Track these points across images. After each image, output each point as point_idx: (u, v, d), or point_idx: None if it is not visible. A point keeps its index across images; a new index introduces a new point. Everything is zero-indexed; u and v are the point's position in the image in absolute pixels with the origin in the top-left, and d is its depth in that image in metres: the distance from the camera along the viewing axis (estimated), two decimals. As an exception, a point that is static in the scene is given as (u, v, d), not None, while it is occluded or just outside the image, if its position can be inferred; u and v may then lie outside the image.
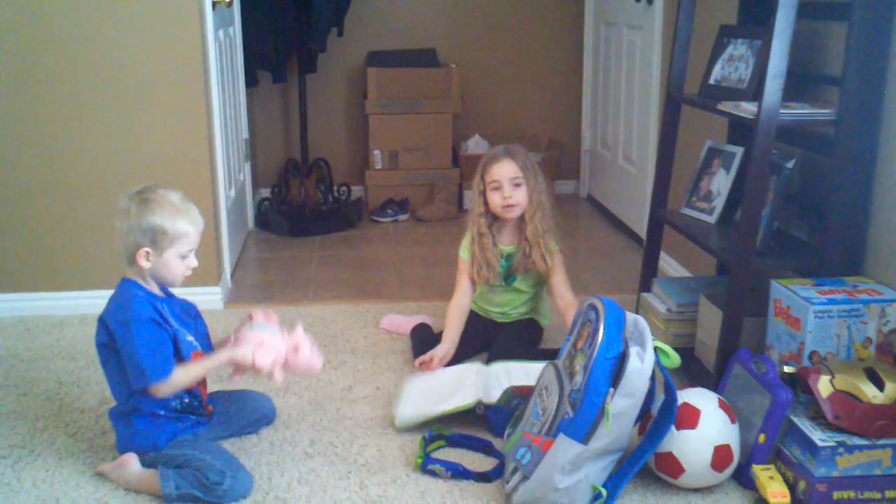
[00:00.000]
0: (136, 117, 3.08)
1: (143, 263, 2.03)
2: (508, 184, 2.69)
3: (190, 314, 2.18)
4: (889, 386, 1.94)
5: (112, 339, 2.04)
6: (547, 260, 2.73)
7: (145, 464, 2.07)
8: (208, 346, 2.19)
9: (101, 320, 2.08)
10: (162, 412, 2.09)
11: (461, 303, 2.79)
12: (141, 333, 2.00)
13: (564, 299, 2.76)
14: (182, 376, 2.05)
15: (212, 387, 2.29)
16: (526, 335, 2.82)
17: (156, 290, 2.10)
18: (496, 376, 2.45)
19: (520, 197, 2.71)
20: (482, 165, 2.77)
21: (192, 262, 2.10)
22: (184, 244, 2.05)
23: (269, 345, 2.06)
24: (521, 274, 2.79)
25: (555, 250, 2.75)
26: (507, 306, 2.86)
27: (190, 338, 2.11)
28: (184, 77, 3.07)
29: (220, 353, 2.08)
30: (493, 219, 2.78)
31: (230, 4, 3.53)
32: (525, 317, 2.88)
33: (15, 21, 2.97)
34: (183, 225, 2.04)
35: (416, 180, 4.59)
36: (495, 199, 2.72)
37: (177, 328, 2.08)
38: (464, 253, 2.82)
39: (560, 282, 2.77)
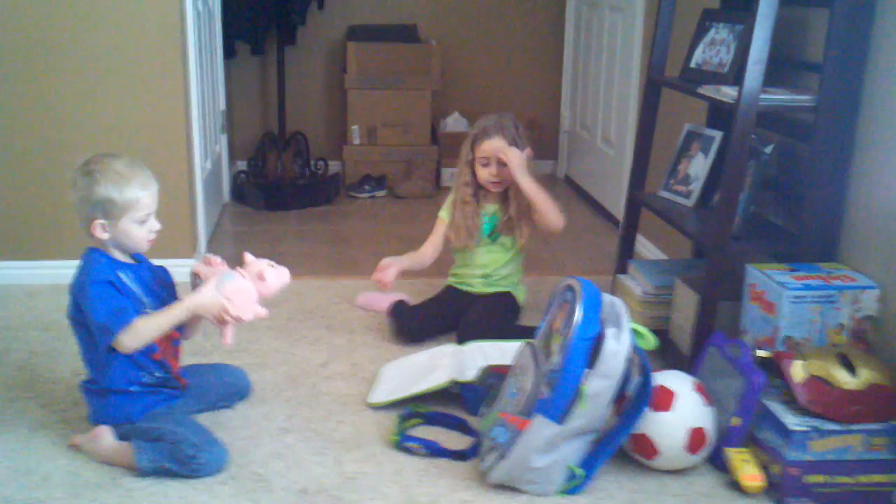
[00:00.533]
0: (112, 86, 3.04)
1: (101, 235, 2.01)
2: (497, 161, 2.75)
3: (163, 282, 2.15)
4: (861, 371, 1.96)
5: (76, 309, 2.03)
6: (526, 231, 2.82)
7: (120, 436, 2.06)
8: None
9: (70, 291, 2.06)
10: (133, 388, 2.07)
11: (424, 256, 2.86)
12: (98, 293, 1.97)
13: (505, 272, 2.88)
14: (148, 325, 1.98)
15: (187, 360, 2.28)
16: (500, 308, 2.83)
17: (121, 257, 2.07)
18: (471, 356, 2.45)
19: (507, 174, 2.75)
20: (473, 136, 2.82)
21: (154, 225, 2.06)
22: (137, 210, 2.01)
23: (240, 292, 2.02)
24: (505, 234, 2.84)
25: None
26: (490, 267, 2.88)
27: (148, 311, 2.04)
28: (161, 46, 3.04)
29: (184, 301, 2.02)
30: (479, 186, 2.83)
31: (210, -26, 3.48)
32: (504, 289, 2.88)
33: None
34: (132, 192, 1.99)
35: (394, 156, 4.58)
36: (483, 174, 2.79)
37: (138, 297, 2.04)
38: (444, 213, 2.87)
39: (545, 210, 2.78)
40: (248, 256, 2.12)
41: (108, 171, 1.99)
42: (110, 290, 2.00)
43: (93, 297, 1.98)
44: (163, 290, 2.14)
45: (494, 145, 2.75)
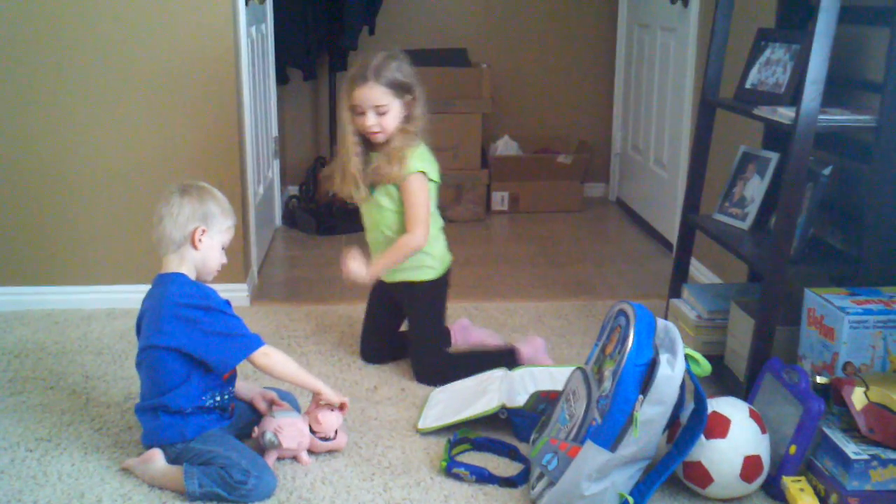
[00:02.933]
0: (167, 113, 3.09)
1: (197, 244, 2.08)
2: (372, 112, 2.47)
3: None
4: (926, 399, 1.90)
5: (181, 333, 2.02)
6: (398, 174, 2.50)
7: (170, 458, 2.07)
8: None
9: (167, 313, 2.03)
10: (189, 409, 2.08)
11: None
12: (231, 313, 2.08)
13: (396, 229, 2.59)
14: (283, 357, 2.14)
15: (239, 382, 2.28)
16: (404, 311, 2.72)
17: None
18: (521, 381, 2.43)
19: (385, 123, 2.48)
20: (349, 79, 2.51)
21: (224, 258, 2.17)
22: (228, 233, 2.14)
23: (292, 426, 2.13)
24: (378, 185, 2.55)
25: (413, 171, 2.52)
26: (374, 230, 2.63)
27: None
28: (215, 74, 3.08)
29: (317, 380, 2.21)
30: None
31: (263, 2, 3.54)
32: (409, 277, 2.64)
33: (46, 14, 2.98)
34: (230, 220, 2.14)
35: (444, 180, 4.51)
36: (359, 123, 2.50)
37: None
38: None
39: (407, 205, 2.54)
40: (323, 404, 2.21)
41: (209, 190, 2.13)
42: (231, 309, 2.10)
43: (228, 318, 2.06)
44: None
45: (366, 96, 2.45)
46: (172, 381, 2.06)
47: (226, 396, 2.15)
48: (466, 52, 4.74)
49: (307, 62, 4.51)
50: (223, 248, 2.14)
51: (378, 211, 2.60)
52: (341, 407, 2.20)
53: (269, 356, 2.10)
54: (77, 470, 2.13)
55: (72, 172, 3.11)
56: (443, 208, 4.49)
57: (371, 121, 2.47)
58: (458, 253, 3.95)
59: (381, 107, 2.47)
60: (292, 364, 2.16)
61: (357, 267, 2.55)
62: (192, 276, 2.11)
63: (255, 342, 2.07)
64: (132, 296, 3.16)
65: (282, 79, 4.45)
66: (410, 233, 2.55)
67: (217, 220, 2.09)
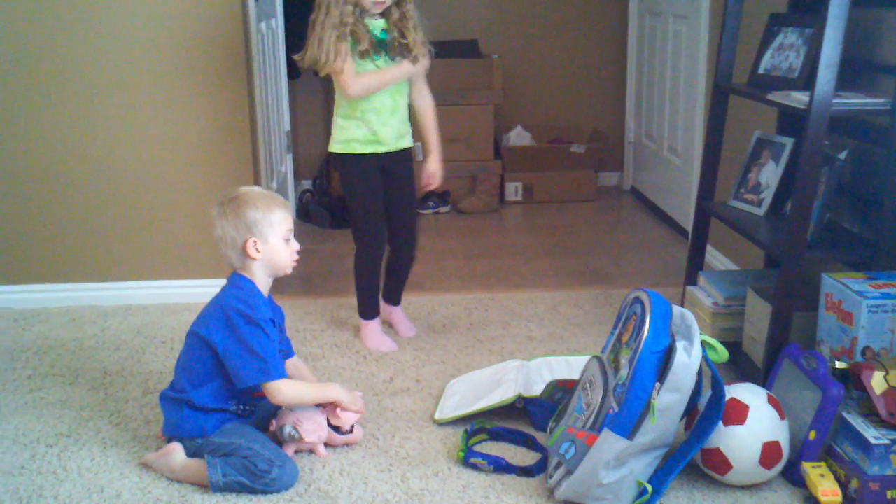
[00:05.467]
0: (179, 110, 3.10)
1: (254, 254, 2.09)
2: None
3: (281, 327, 2.22)
4: (946, 383, 1.88)
5: (219, 330, 2.06)
6: (420, 46, 2.63)
7: (190, 452, 2.08)
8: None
9: (218, 308, 2.08)
10: (210, 406, 2.10)
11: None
12: (268, 333, 2.07)
13: (424, 96, 2.75)
14: (298, 388, 2.14)
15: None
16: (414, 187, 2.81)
17: (264, 289, 2.14)
18: (537, 370, 2.43)
19: None
20: None
21: (295, 244, 2.17)
22: (282, 226, 2.12)
23: (311, 419, 2.15)
24: (395, 56, 2.62)
25: (425, 38, 2.66)
26: (389, 97, 2.64)
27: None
28: (226, 69, 3.08)
29: (335, 387, 2.20)
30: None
31: (273, -4, 3.53)
32: (409, 142, 2.76)
33: (61, 11, 2.99)
34: (277, 209, 2.12)
35: (457, 172, 4.57)
36: None
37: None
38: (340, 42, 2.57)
39: (423, 76, 2.72)
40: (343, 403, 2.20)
41: (252, 195, 2.12)
42: (273, 330, 2.09)
43: (263, 337, 2.06)
44: (282, 337, 2.22)
45: None
46: (201, 376, 2.08)
47: (249, 407, 2.16)
48: (477, 43, 4.73)
49: (318, 56, 4.50)
50: (287, 238, 2.13)
51: (398, 84, 2.67)
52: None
53: (282, 392, 2.08)
54: (97, 465, 2.14)
55: (86, 170, 3.12)
56: (456, 200, 4.51)
57: None
58: (473, 244, 3.97)
59: None
60: (305, 390, 2.16)
61: (434, 165, 2.76)
62: (266, 278, 2.14)
63: (274, 374, 2.06)
64: (149, 291, 3.20)
65: (293, 73, 4.45)
66: (429, 94, 2.76)
67: (263, 224, 2.08)
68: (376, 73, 2.59)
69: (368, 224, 2.73)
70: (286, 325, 2.29)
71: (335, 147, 2.71)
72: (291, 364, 2.31)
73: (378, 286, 2.85)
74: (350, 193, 2.74)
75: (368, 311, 2.84)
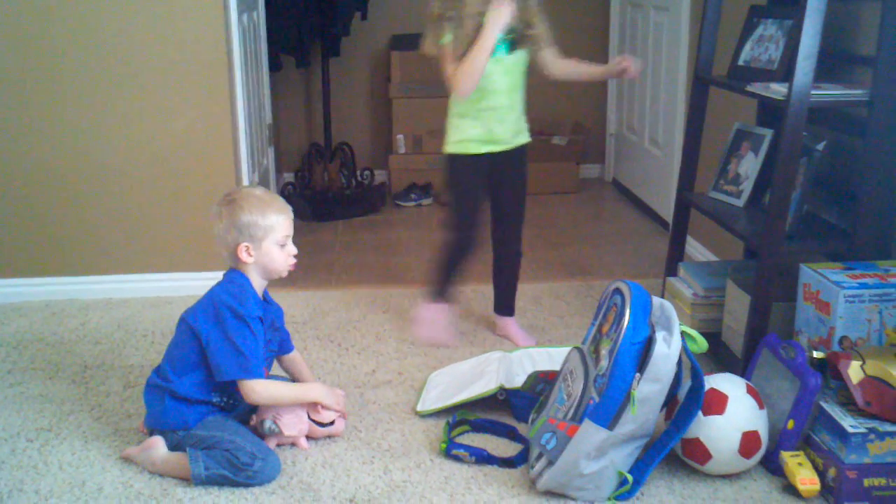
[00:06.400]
0: (159, 101, 3.08)
1: (245, 258, 2.09)
2: None
3: (275, 326, 2.22)
4: (922, 372, 1.90)
5: (206, 321, 2.06)
6: (545, 33, 2.60)
7: (171, 445, 2.08)
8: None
9: (209, 300, 2.10)
10: (194, 397, 2.10)
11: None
12: (254, 330, 2.06)
13: (568, 59, 2.69)
14: (273, 389, 2.12)
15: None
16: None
17: (259, 289, 2.14)
18: (519, 362, 2.44)
19: None
20: None
21: (292, 249, 2.15)
22: (278, 232, 2.10)
23: (291, 412, 2.14)
24: (520, 47, 2.57)
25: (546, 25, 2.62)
26: (511, 92, 2.58)
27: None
28: (207, 61, 3.07)
29: (314, 387, 2.22)
30: None
31: (253, -12, 3.52)
32: (526, 137, 2.68)
33: (42, 5, 2.97)
34: (272, 214, 2.10)
35: (439, 164, 4.55)
36: None
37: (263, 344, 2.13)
38: (443, 41, 2.53)
39: (556, 51, 2.66)
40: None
41: (249, 198, 2.10)
42: (260, 328, 2.09)
43: (248, 333, 2.05)
44: (273, 336, 2.21)
45: None
46: (185, 364, 2.09)
47: (233, 401, 2.16)
48: (459, 35, 4.71)
49: (300, 49, 4.49)
50: (283, 243, 2.11)
51: (519, 70, 2.60)
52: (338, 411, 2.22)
53: (255, 392, 2.07)
54: (78, 459, 2.14)
55: (66, 164, 3.10)
56: (439, 192, 4.51)
57: None
58: (455, 236, 3.97)
59: None
60: (281, 390, 2.15)
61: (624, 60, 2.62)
62: (260, 279, 2.13)
63: (252, 373, 2.05)
64: (130, 285, 3.18)
65: (275, 66, 4.43)
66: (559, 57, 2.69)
67: (255, 228, 2.07)
68: (468, 57, 2.47)
69: (466, 221, 2.65)
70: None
71: (450, 147, 2.63)
72: (289, 359, 2.33)
73: (458, 279, 2.73)
74: (454, 190, 2.67)
75: (443, 292, 2.72)
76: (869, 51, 2.30)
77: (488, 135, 2.59)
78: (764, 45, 2.56)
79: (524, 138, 2.67)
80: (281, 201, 2.15)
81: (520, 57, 2.59)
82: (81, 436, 2.24)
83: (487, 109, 2.57)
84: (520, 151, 2.66)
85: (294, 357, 2.33)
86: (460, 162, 2.62)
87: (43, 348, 2.77)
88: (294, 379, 2.33)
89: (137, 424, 2.26)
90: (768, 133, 2.60)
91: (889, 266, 2.19)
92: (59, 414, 2.35)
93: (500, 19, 2.47)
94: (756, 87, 2.42)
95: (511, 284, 2.79)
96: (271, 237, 2.09)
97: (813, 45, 2.17)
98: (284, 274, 2.16)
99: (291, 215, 2.15)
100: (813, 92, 2.20)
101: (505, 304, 2.81)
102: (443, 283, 2.73)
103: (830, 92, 2.26)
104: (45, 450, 2.18)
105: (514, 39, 2.55)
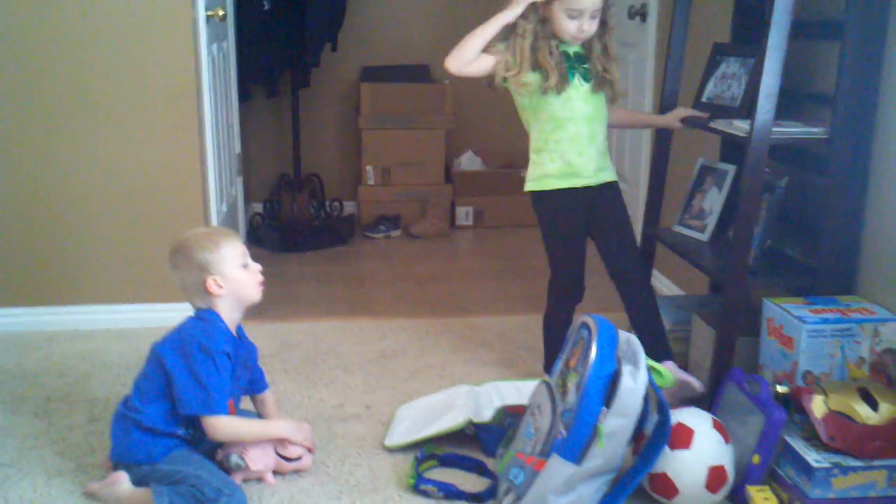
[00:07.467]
0: (128, 131, 3.07)
1: (217, 291, 2.09)
2: (588, 16, 2.38)
3: (247, 364, 2.22)
4: (883, 406, 1.93)
5: (174, 353, 2.06)
6: (618, 85, 2.50)
7: (136, 480, 2.05)
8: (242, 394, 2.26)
9: (178, 332, 2.10)
10: (161, 430, 2.08)
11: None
12: (219, 366, 2.05)
13: (613, 110, 2.58)
14: (236, 426, 2.11)
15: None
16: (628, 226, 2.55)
17: (232, 325, 2.13)
18: (487, 396, 2.44)
19: (594, 28, 2.42)
20: None
21: (255, 266, 2.16)
22: (236, 255, 2.12)
23: (258, 446, 2.14)
24: (596, 86, 2.48)
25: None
26: (592, 122, 2.48)
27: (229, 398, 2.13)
28: (177, 91, 3.07)
29: (279, 424, 2.22)
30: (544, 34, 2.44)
31: (224, 18, 3.52)
32: (612, 175, 2.56)
33: (8, 34, 2.95)
34: (223, 242, 2.11)
35: (408, 196, 4.59)
36: (568, 27, 2.39)
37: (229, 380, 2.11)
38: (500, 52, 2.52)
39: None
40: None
41: (194, 238, 2.12)
42: (226, 364, 2.07)
43: (213, 369, 2.04)
44: (243, 373, 2.20)
45: (590, 2, 2.36)
46: (152, 394, 2.08)
47: (199, 434, 2.13)
48: (429, 68, 4.75)
49: (270, 79, 4.51)
50: (245, 265, 2.13)
51: (600, 101, 2.51)
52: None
53: (216, 429, 2.06)
54: (40, 496, 2.10)
55: (31, 194, 3.07)
56: (407, 224, 4.52)
57: (588, 26, 2.39)
58: (424, 269, 3.98)
59: (596, 10, 2.40)
60: (243, 427, 2.14)
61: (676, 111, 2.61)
62: (234, 313, 2.13)
63: (215, 409, 2.05)
64: (94, 316, 3.15)
65: (244, 96, 4.44)
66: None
67: (215, 262, 2.08)
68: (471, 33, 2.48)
69: (565, 268, 2.55)
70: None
71: (529, 185, 2.55)
72: (260, 399, 2.32)
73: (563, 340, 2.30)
74: (548, 234, 2.57)
75: (550, 366, 2.37)
76: (828, 90, 2.35)
77: (567, 167, 2.48)
78: (727, 83, 2.61)
79: (610, 175, 2.54)
80: (223, 228, 2.17)
81: (598, 92, 2.51)
82: (44, 471, 2.21)
83: (564, 140, 2.48)
84: (610, 188, 2.54)
85: (265, 398, 2.32)
86: (545, 199, 2.54)
87: (5, 380, 2.72)
88: (262, 418, 2.31)
89: (102, 459, 2.23)
90: (731, 169, 2.64)
91: (850, 301, 2.23)
92: (20, 449, 2.31)
93: (516, 7, 2.40)
94: (719, 124, 2.46)
95: (654, 326, 2.52)
96: (231, 263, 2.10)
97: (774, 84, 2.22)
98: (258, 296, 2.16)
99: (239, 235, 2.16)
100: (774, 129, 2.25)
101: (659, 349, 2.47)
102: (551, 354, 2.52)
103: (791, 129, 2.31)
104: (5, 486, 2.14)
105: (592, 74, 2.47)
